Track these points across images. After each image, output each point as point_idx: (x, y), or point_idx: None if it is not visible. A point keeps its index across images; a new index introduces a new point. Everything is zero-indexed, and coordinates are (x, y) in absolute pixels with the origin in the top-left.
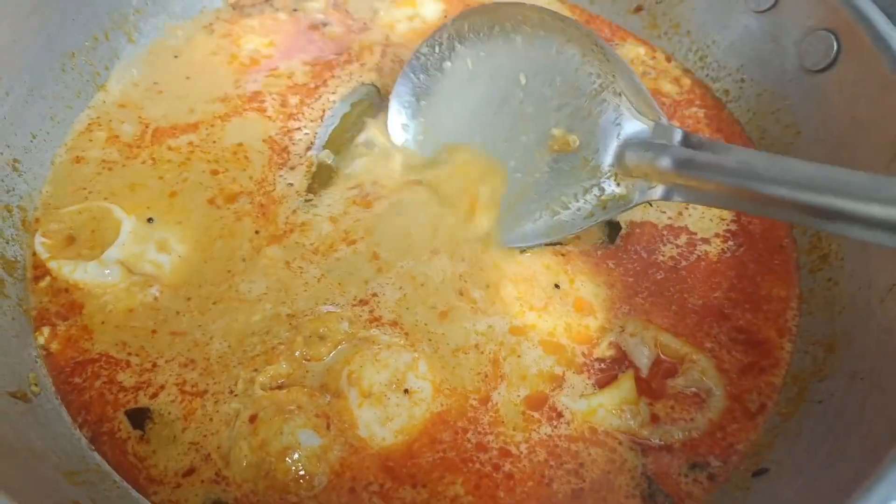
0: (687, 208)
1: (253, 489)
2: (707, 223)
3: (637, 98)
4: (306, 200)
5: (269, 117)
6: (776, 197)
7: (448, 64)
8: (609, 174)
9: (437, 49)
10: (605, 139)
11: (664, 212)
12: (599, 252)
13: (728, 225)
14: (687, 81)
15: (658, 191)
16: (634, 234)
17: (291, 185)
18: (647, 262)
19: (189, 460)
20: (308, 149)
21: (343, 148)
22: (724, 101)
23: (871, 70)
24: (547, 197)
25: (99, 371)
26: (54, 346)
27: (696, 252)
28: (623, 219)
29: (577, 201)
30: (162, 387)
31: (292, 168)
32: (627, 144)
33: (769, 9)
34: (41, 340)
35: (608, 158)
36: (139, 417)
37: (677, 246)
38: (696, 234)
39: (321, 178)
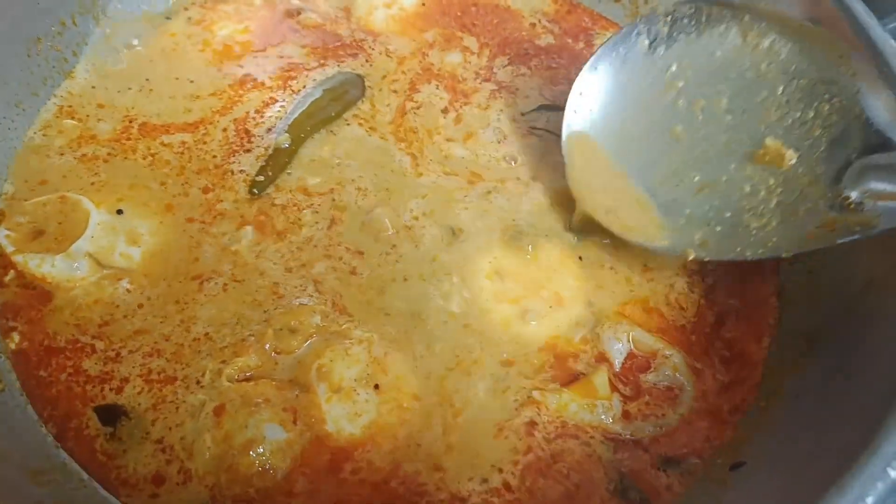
0: None
1: (215, 482)
2: None
3: (888, 113)
4: (254, 185)
5: (243, 106)
6: None
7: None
8: (839, 198)
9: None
10: (837, 160)
11: None
12: (573, 247)
13: None
14: None
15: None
16: None
17: (243, 170)
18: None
19: (156, 463)
20: (269, 131)
21: (304, 132)
22: None
23: None
24: (748, 215)
25: (64, 363)
26: (21, 343)
27: None
28: None
29: (792, 222)
30: (126, 379)
31: (249, 151)
32: (870, 167)
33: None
34: (11, 345)
35: (841, 181)
36: (110, 414)
37: None
38: None
39: (276, 162)
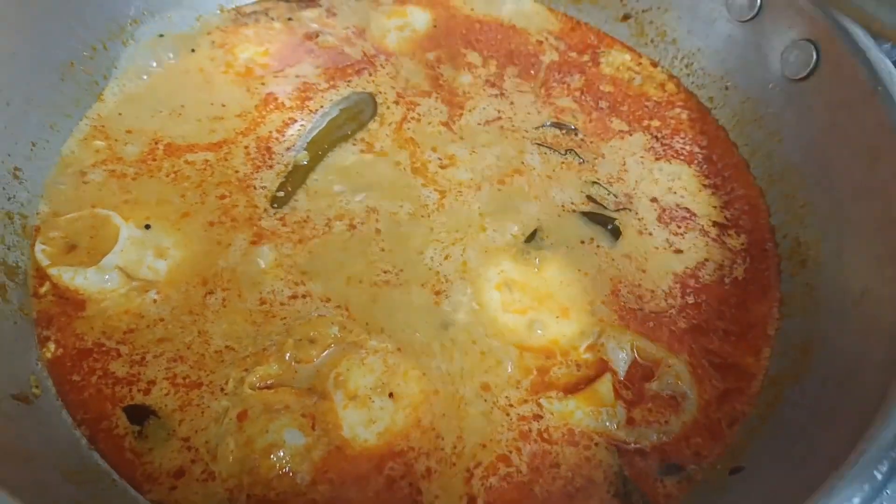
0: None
1: (238, 484)
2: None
3: None
4: (274, 200)
5: (265, 126)
6: None
7: None
8: None
9: None
10: None
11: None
12: (582, 257)
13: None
14: (672, 86)
15: None
16: (626, 238)
17: (265, 186)
18: (632, 269)
19: (181, 460)
20: (288, 149)
21: (322, 150)
22: (709, 108)
23: (849, 79)
24: None
25: (94, 366)
26: (56, 352)
27: (684, 263)
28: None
29: None
30: (153, 381)
31: (270, 168)
32: None
33: (752, 19)
34: (48, 355)
35: None
36: (138, 413)
37: (678, 251)
38: (682, 247)
39: (295, 178)
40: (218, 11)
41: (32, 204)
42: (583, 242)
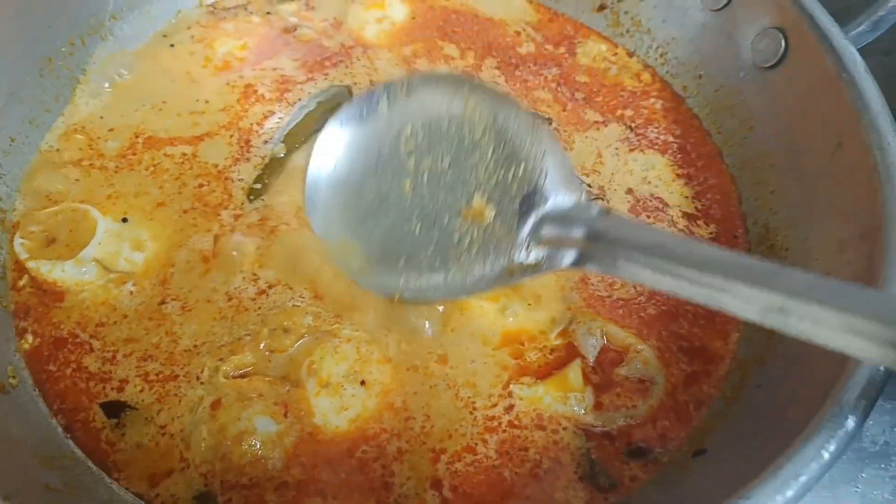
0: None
1: (210, 469)
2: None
3: (562, 173)
4: (251, 192)
5: (242, 119)
6: (683, 274)
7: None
8: (521, 246)
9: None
10: (524, 215)
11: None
12: None
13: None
14: (647, 76)
15: (568, 260)
16: None
17: (241, 179)
18: None
19: (160, 452)
20: (266, 142)
21: (299, 142)
22: (683, 97)
23: (816, 67)
24: (452, 262)
25: (69, 357)
26: (34, 342)
27: None
28: None
29: (484, 268)
30: (125, 380)
31: (248, 160)
32: (545, 218)
33: (723, 7)
34: (25, 346)
35: (523, 232)
36: (115, 408)
37: None
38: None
39: (272, 170)
40: (197, 6)
41: (11, 198)
42: None
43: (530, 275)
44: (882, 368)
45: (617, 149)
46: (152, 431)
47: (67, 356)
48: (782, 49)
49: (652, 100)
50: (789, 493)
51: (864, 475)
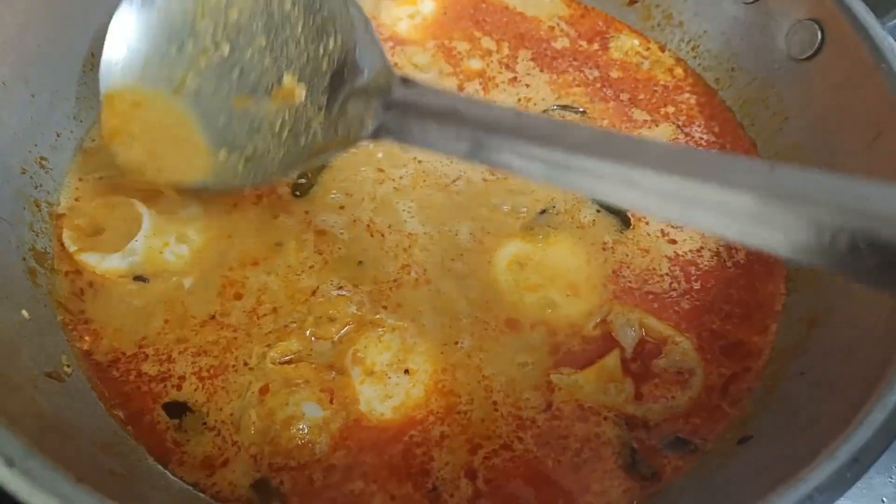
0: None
1: (259, 452)
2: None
3: (369, 45)
4: (295, 188)
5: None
6: (475, 138)
7: None
8: (331, 124)
9: None
10: (334, 91)
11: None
12: (589, 238)
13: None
14: (680, 71)
15: (368, 131)
16: (638, 226)
17: None
18: (640, 249)
19: (217, 443)
20: None
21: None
22: (716, 90)
23: (853, 58)
24: (263, 149)
25: (121, 364)
26: (88, 343)
27: (679, 251)
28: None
29: (297, 148)
30: (182, 377)
31: None
32: (352, 93)
33: (756, 0)
34: (79, 345)
35: (334, 109)
36: (176, 409)
37: (672, 241)
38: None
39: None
40: None
41: (58, 192)
42: (590, 225)
43: (338, 151)
44: None
45: None
46: (211, 424)
47: (120, 362)
48: (818, 40)
49: (686, 94)
50: (842, 482)
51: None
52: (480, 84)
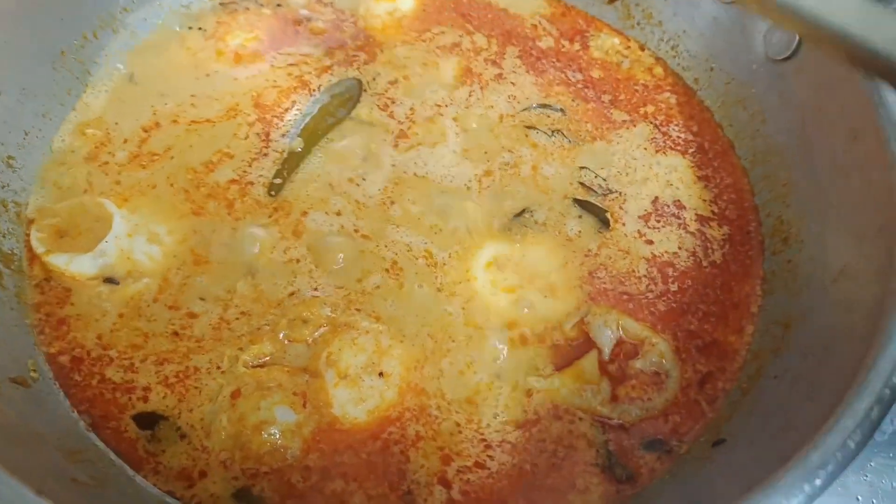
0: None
1: (229, 457)
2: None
3: None
4: (271, 187)
5: (256, 112)
6: None
7: None
8: None
9: None
10: None
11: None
12: (568, 239)
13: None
14: (660, 70)
15: None
16: (616, 227)
17: (261, 175)
18: (619, 250)
19: (194, 454)
20: (283, 136)
21: (315, 136)
22: (694, 90)
23: (829, 60)
24: None
25: (91, 368)
26: (55, 345)
27: (656, 252)
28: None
29: None
30: (148, 387)
31: (266, 155)
32: None
33: (735, 0)
34: (46, 349)
35: None
36: (147, 420)
37: (649, 242)
38: (653, 238)
39: (290, 165)
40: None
41: (26, 192)
42: (569, 225)
43: None
44: None
45: (646, 149)
46: (184, 430)
47: (90, 367)
48: (796, 42)
49: (666, 94)
50: (817, 483)
51: (872, 464)
52: (464, 80)
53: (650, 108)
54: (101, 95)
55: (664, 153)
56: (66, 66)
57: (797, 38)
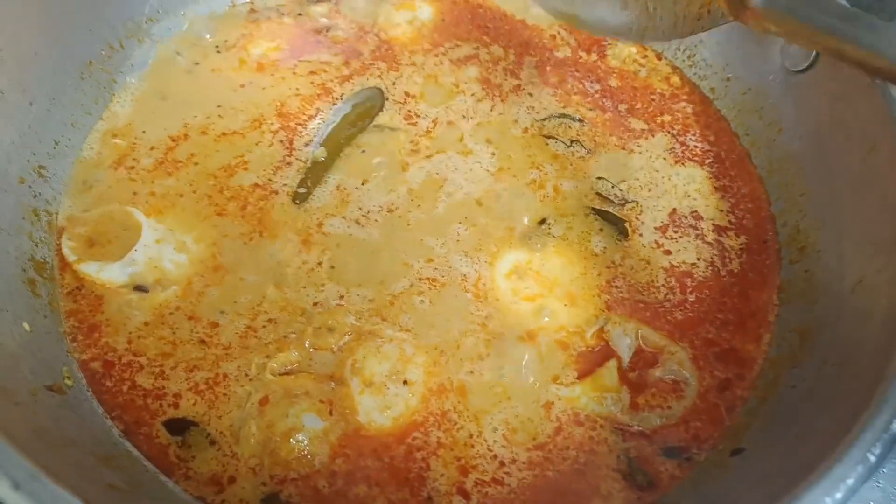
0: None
1: (259, 464)
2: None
3: None
4: (296, 196)
5: (279, 122)
6: None
7: None
8: None
9: None
10: None
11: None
12: (587, 248)
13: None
14: (676, 79)
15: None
16: (634, 235)
17: (286, 184)
18: (638, 259)
19: (224, 460)
20: (307, 145)
21: (338, 145)
22: (711, 99)
23: (848, 72)
24: None
25: (122, 375)
26: (87, 352)
27: (675, 262)
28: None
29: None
30: (178, 394)
31: (289, 164)
32: None
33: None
34: (79, 355)
35: None
36: (178, 426)
37: (667, 252)
38: (671, 248)
39: (314, 174)
40: (230, 5)
41: (57, 201)
42: (588, 235)
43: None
44: None
45: (665, 159)
46: (214, 437)
47: (121, 373)
48: (813, 53)
49: (682, 103)
50: (838, 496)
51: (885, 470)
52: (484, 90)
53: (667, 118)
54: (128, 105)
55: (682, 164)
56: (94, 75)
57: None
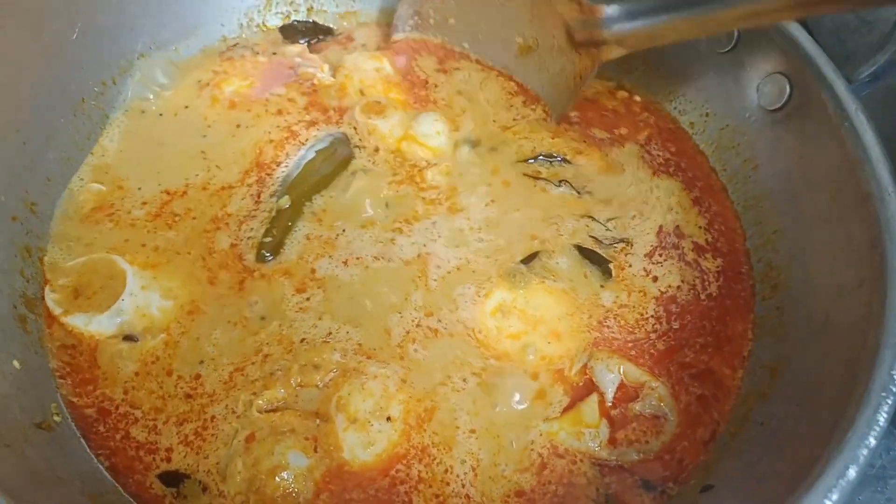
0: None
1: (244, 501)
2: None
3: None
4: (261, 247)
5: (248, 170)
6: None
7: None
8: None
9: None
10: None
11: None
12: (571, 286)
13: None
14: (655, 114)
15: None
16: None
17: (251, 237)
18: (624, 294)
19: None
20: (272, 195)
21: (302, 193)
22: (690, 134)
23: (819, 114)
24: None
25: (116, 424)
26: (78, 400)
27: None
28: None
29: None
30: (170, 448)
31: (254, 217)
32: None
33: (729, 50)
34: (69, 397)
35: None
36: (172, 478)
37: (654, 279)
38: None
39: (280, 222)
40: (221, 40)
41: (44, 239)
42: (572, 274)
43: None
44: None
45: (642, 174)
46: (206, 486)
47: (116, 423)
48: (787, 94)
49: (662, 139)
50: None
51: (860, 498)
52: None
53: (653, 148)
54: (116, 143)
55: (658, 176)
56: (86, 112)
57: (788, 90)
